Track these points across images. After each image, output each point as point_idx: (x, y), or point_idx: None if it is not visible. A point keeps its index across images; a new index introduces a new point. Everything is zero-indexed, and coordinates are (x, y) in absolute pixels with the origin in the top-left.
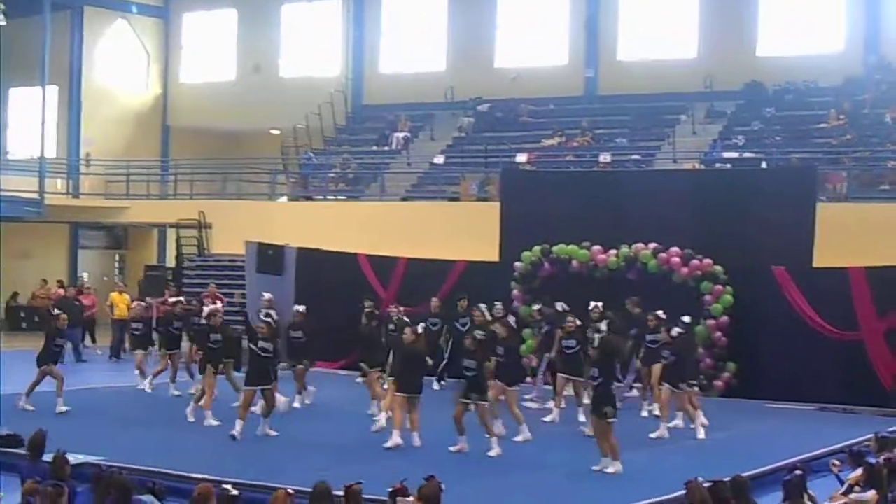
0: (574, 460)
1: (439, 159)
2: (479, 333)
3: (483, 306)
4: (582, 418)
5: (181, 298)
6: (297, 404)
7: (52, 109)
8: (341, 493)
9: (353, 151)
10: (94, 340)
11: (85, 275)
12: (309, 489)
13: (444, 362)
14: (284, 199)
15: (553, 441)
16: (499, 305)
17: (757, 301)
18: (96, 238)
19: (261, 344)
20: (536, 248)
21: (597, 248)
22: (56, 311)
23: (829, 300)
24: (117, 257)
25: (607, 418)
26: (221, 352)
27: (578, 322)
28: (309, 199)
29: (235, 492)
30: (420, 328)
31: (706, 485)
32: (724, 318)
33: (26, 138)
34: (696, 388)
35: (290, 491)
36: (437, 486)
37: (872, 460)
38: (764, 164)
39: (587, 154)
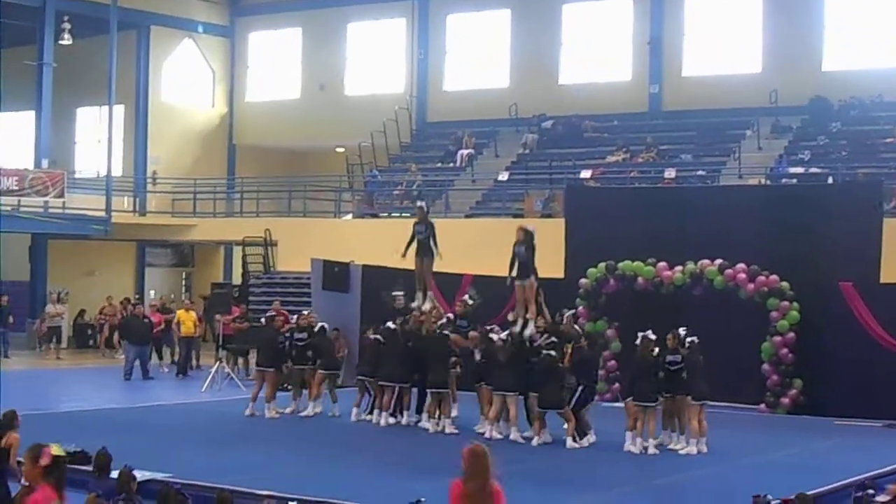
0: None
1: (503, 176)
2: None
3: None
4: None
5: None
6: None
7: (118, 128)
8: None
9: (418, 169)
10: (160, 357)
11: (152, 292)
12: None
13: None
14: (350, 216)
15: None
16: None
17: (824, 317)
18: (163, 256)
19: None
20: (601, 265)
21: (662, 264)
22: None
23: None
24: (184, 275)
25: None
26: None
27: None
28: (374, 216)
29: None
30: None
31: (775, 502)
32: (791, 335)
33: (93, 157)
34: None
35: None
36: None
37: None
38: (830, 180)
39: (652, 170)
